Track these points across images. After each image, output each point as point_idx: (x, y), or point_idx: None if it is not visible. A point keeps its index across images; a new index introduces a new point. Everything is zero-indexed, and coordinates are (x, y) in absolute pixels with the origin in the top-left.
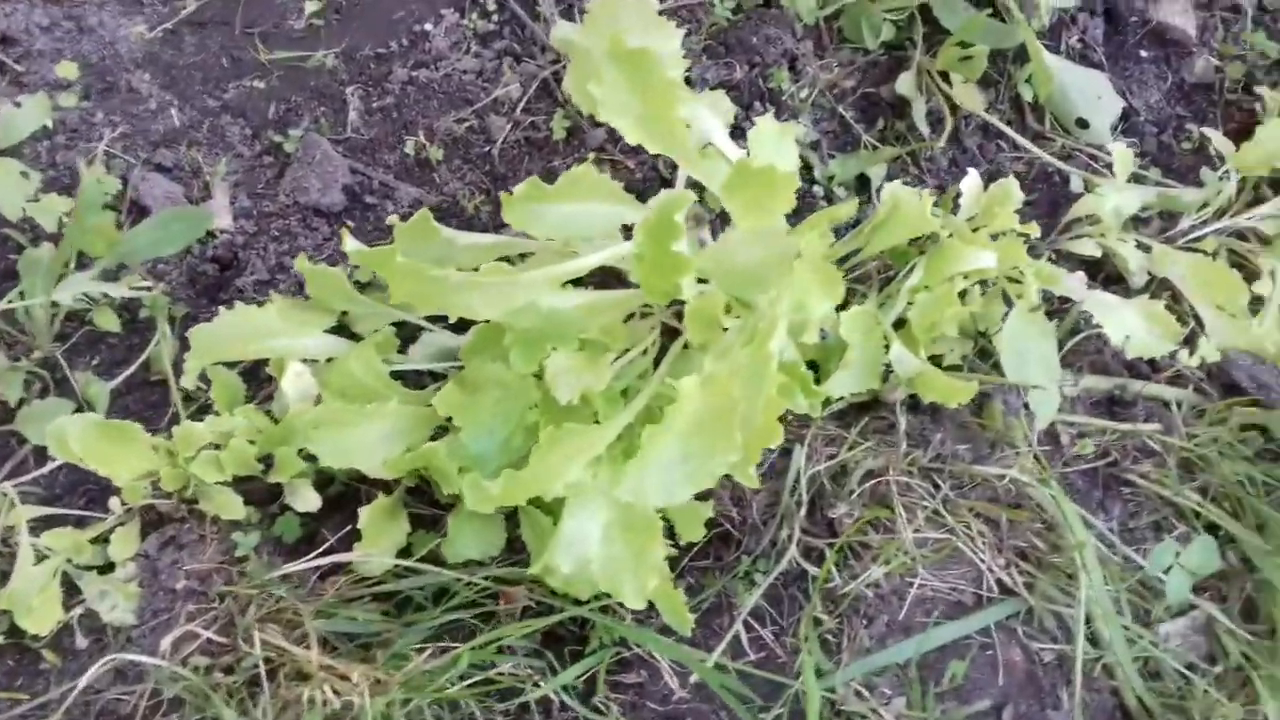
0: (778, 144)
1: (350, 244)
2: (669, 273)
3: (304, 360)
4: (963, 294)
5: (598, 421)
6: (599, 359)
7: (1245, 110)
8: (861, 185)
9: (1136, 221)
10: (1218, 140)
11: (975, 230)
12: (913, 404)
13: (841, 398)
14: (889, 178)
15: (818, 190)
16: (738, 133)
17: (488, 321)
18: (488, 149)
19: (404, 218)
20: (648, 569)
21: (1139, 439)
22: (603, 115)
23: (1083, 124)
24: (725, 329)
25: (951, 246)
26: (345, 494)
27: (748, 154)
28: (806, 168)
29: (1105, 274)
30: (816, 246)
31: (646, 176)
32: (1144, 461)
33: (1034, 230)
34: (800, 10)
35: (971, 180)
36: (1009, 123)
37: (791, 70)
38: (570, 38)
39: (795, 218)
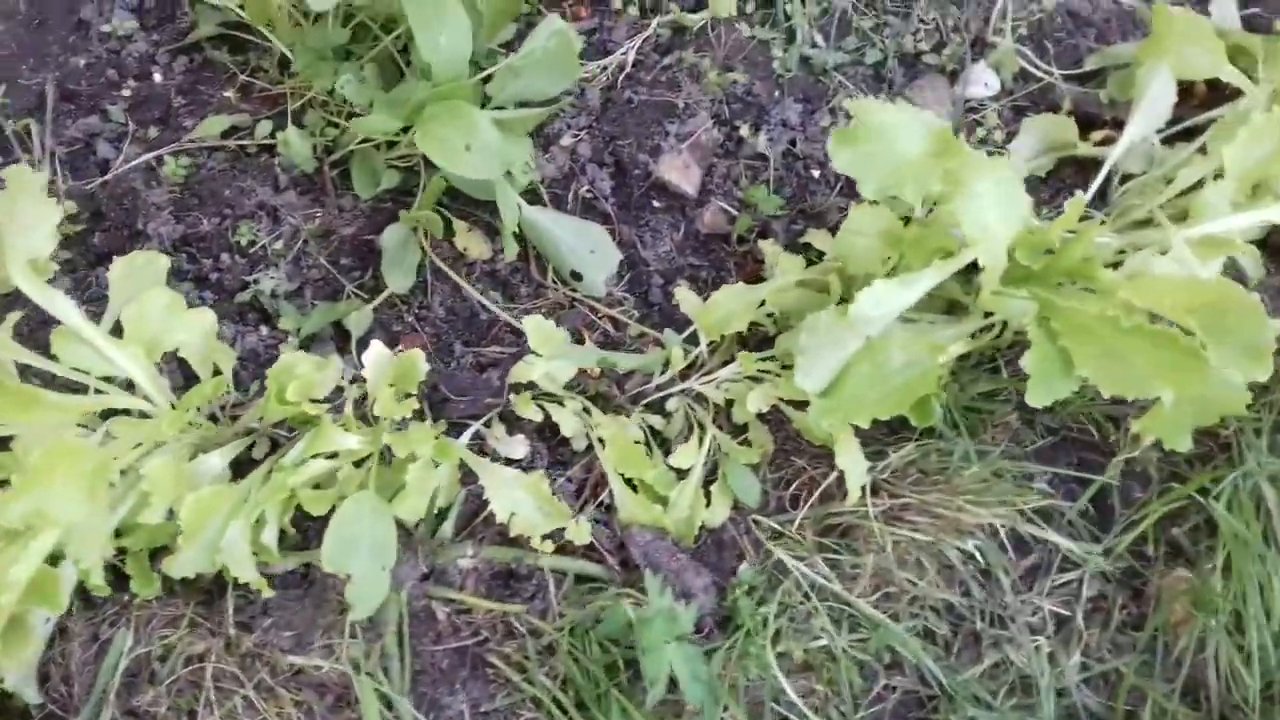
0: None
1: None
2: None
3: None
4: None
5: None
6: None
7: (759, 261)
8: (343, 337)
9: (622, 378)
10: (685, 301)
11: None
12: None
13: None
14: (384, 327)
15: (293, 342)
16: (203, 284)
17: None
18: None
19: None
20: None
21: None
22: None
23: (576, 276)
24: None
25: (323, 427)
26: None
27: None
28: (279, 317)
29: (562, 435)
30: (75, 449)
31: None
32: (510, 642)
33: (407, 410)
34: (296, 158)
35: (373, 351)
36: (515, 271)
37: (273, 220)
38: None
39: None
